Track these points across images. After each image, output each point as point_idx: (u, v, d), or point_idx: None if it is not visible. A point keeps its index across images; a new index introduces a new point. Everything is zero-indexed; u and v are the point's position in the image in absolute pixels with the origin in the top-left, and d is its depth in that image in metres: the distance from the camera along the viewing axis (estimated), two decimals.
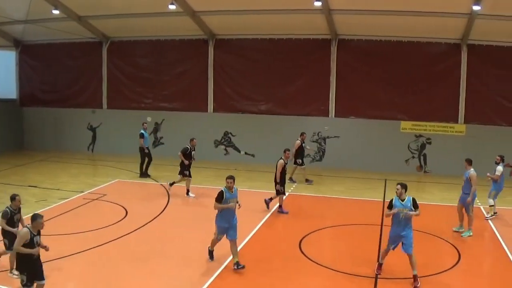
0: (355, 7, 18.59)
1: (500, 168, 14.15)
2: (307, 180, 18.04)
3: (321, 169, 20.76)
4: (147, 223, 12.63)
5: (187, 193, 15.42)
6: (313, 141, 21.24)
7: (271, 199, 14.01)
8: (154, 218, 13.12)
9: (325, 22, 19.56)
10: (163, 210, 13.99)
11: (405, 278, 9.43)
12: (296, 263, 10.25)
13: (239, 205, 9.69)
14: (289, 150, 14.07)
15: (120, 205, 14.17)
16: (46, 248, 7.77)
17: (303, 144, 17.90)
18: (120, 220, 12.88)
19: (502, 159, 14.35)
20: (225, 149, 22.01)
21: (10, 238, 8.73)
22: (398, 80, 20.68)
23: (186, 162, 15.17)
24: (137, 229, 12.11)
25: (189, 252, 10.63)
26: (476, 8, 16.89)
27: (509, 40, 20.09)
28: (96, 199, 14.92)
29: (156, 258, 10.24)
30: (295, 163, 17.82)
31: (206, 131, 21.55)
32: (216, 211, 9.67)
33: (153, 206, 14.21)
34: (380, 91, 20.77)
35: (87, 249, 10.50)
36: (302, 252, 10.84)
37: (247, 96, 21.76)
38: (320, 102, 21.22)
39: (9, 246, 8.80)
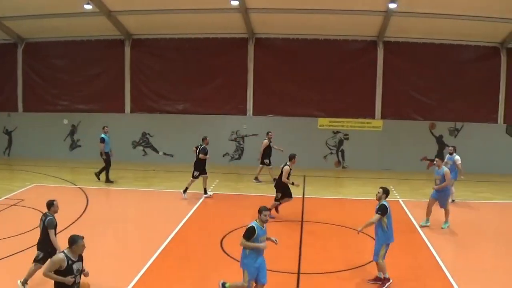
0: (271, 5, 19.44)
1: (458, 157, 15.55)
2: (274, 179, 18.92)
3: (240, 168, 21.43)
4: (66, 227, 12.38)
5: (205, 192, 15.92)
6: (232, 140, 22.22)
7: (276, 208, 13.79)
8: (73, 223, 13.00)
9: (242, 21, 20.34)
10: (82, 214, 14.00)
11: (326, 273, 9.98)
12: (218, 261, 10.53)
13: (275, 241, 8.42)
14: (296, 156, 13.66)
15: (39, 210, 13.63)
16: (85, 274, 6.92)
17: (271, 144, 18.44)
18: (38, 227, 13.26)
19: (455, 150, 15.77)
20: (144, 150, 22.81)
21: (46, 249, 8.35)
22: (315, 78, 21.58)
23: (208, 157, 15.82)
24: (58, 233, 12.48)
25: (107, 255, 10.61)
26: (392, 5, 17.96)
27: (424, 36, 21.34)
28: (13, 204, 14.64)
29: None
30: (262, 163, 18.31)
31: (124, 132, 22.26)
32: (245, 250, 8.18)
33: (72, 210, 14.04)
34: (298, 89, 21.61)
35: (8, 256, 10.24)
36: (224, 251, 11.15)
37: (164, 96, 22.28)
38: (237, 100, 21.94)
39: (40, 259, 8.36)
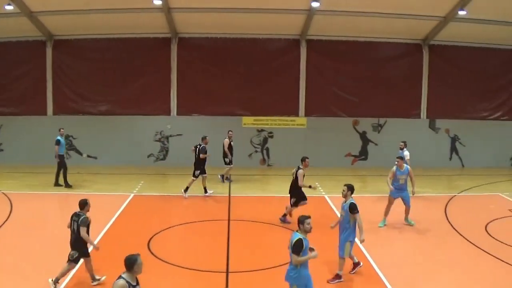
0: (194, 5, 20.01)
1: (407, 153, 16.66)
2: (227, 178, 19.17)
3: (165, 168, 21.96)
4: None
5: (205, 191, 16.80)
6: (156, 141, 23.01)
7: (285, 215, 13.76)
8: None
9: (165, 20, 20.87)
10: (6, 220, 14.00)
11: (255, 270, 10.38)
12: (146, 263, 10.71)
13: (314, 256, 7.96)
14: (308, 158, 13.65)
15: None
16: None
17: (232, 143, 18.99)
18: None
19: (405, 145, 17.04)
20: (67, 153, 23.62)
21: (81, 249, 8.99)
22: (239, 77, 22.29)
23: (209, 155, 16.78)
24: None
25: (31, 262, 10.68)
26: (315, 4, 18.81)
27: (347, 34, 22.39)
28: None
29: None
30: (229, 163, 18.93)
31: (46, 135, 22.26)
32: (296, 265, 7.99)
33: None
34: (222, 88, 22.26)
35: None
36: (151, 252, 11.39)
37: (87, 97, 22.53)
38: (161, 100, 22.42)
39: (75, 259, 8.95)
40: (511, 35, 22.53)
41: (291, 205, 13.55)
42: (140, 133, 21.41)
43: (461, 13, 19.61)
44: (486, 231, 13.88)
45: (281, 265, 10.43)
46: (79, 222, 8.94)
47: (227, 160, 18.96)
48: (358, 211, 9.65)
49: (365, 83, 22.83)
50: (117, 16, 20.79)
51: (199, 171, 16.64)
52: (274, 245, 12.04)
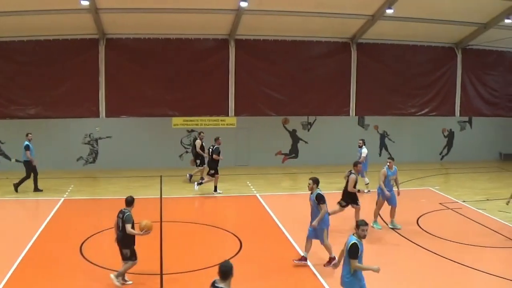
0: (122, 5, 21.17)
1: (365, 150, 18.73)
2: (202, 178, 20.33)
3: (95, 171, 23.23)
4: None
5: (215, 190, 18.74)
6: (85, 143, 23.94)
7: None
8: None
9: (93, 21, 22.02)
10: None
11: (190, 271, 11.21)
12: (78, 267, 11.25)
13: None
14: (360, 163, 14.64)
15: None
16: None
17: (203, 144, 20.11)
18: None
19: (364, 143, 19.08)
20: None
21: (131, 246, 10.12)
22: (168, 77, 23.75)
23: (221, 158, 18.51)
24: None
25: None
26: (243, 4, 20.18)
27: (275, 33, 24.09)
28: None
29: None
30: (200, 164, 20.39)
31: None
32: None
33: None
34: (151, 89, 23.69)
35: None
36: (84, 257, 11.99)
37: (15, 100, 23.53)
38: (90, 103, 23.68)
39: (130, 257, 10.11)
40: (438, 32, 24.97)
41: (340, 205, 14.14)
42: (69, 136, 22.74)
43: (389, 11, 21.59)
44: (418, 224, 15.49)
45: (215, 265, 11.60)
46: (124, 219, 10.03)
47: (198, 161, 20.56)
48: (324, 202, 11.10)
49: (294, 81, 24.79)
50: (44, 18, 21.72)
51: (213, 171, 18.42)
52: (207, 245, 13.15)
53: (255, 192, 19.11)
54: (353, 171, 13.93)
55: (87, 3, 19.70)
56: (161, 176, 21.85)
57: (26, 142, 18.77)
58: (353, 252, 8.17)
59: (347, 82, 25.63)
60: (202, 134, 20.29)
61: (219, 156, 18.21)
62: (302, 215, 15.10)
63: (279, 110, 24.75)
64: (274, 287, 10.90)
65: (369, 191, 18.35)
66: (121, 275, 10.29)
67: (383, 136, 26.07)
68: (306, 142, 25.00)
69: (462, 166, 25.45)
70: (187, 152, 24.23)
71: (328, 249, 11.48)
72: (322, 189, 17.94)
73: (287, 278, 11.26)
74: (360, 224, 8.40)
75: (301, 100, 24.82)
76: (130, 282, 10.46)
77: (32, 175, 18.80)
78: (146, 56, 23.83)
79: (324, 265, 11.45)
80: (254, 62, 24.41)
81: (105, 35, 23.73)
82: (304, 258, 11.58)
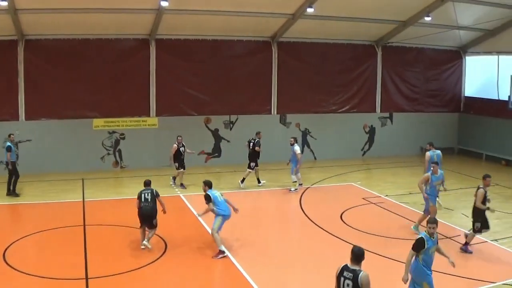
0: (42, 6, 22.66)
1: (297, 147, 21.75)
2: (181, 185, 22.40)
3: None
4: None
5: (259, 182, 22.51)
6: (3, 147, 26.67)
7: (466, 243, 14.55)
8: None
9: (11, 22, 23.45)
10: None
11: (116, 274, 12.16)
12: (3, 276, 11.83)
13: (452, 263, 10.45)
14: (489, 176, 14.41)
15: None
16: None
17: (181, 149, 22.10)
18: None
19: (296, 140, 21.86)
20: None
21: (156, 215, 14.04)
22: (88, 78, 25.87)
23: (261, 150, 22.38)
24: None
25: None
26: (164, 3, 22.04)
27: (196, 33, 26.72)
28: None
29: None
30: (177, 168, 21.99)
31: None
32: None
33: None
34: (71, 90, 25.72)
35: None
36: (7, 264, 12.59)
37: None
38: (9, 106, 25.44)
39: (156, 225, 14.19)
40: (358, 30, 28.49)
41: (474, 231, 14.27)
42: None
43: (309, 10, 24.40)
44: (342, 220, 17.48)
45: (141, 267, 12.91)
46: (154, 193, 14.40)
47: (175, 165, 22.92)
48: (209, 201, 13.83)
49: (216, 81, 27.67)
50: None
51: (254, 163, 21.87)
52: (132, 247, 14.25)
53: (178, 192, 20.99)
54: (481, 185, 14.21)
55: (5, 3, 21.03)
56: (82, 179, 23.92)
57: (8, 143, 20.24)
58: (418, 244, 9.68)
59: (268, 80, 28.83)
60: (179, 138, 22.42)
61: (260, 148, 21.97)
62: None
63: (201, 109, 27.57)
64: (202, 286, 12.41)
65: (296, 189, 21.59)
66: (149, 239, 14.15)
67: (305, 133, 29.46)
68: (228, 141, 27.87)
69: (384, 161, 28.66)
70: (108, 154, 26.56)
71: (216, 240, 13.84)
72: (248, 188, 21.84)
73: (215, 276, 13.05)
74: (429, 221, 9.94)
75: (223, 99, 27.76)
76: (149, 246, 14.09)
77: (14, 176, 20.16)
78: (66, 57, 25.77)
79: (213, 257, 13.85)
80: (175, 62, 26.98)
81: (24, 36, 25.47)
82: (221, 252, 13.80)
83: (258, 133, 22.36)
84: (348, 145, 30.08)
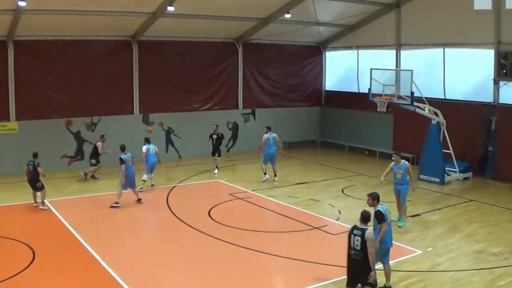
0: None
1: (144, 147, 25.57)
2: (92, 176, 26.98)
3: None
4: None
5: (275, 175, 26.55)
6: None
7: None
8: None
9: None
10: None
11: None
12: None
13: None
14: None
15: None
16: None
17: (100, 148, 26.73)
18: None
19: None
20: None
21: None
22: None
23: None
24: None
25: None
26: (22, 3, 24.27)
27: (55, 34, 29.92)
28: None
29: None
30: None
31: None
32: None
33: None
34: None
35: None
36: None
37: None
38: None
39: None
40: (218, 28, 33.06)
41: None
42: None
43: (170, 9, 27.89)
44: (210, 216, 19.59)
45: (8, 279, 13.57)
46: (35, 164, 21.30)
47: (93, 161, 26.96)
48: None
49: (76, 82, 30.96)
50: None
51: (218, 153, 28.28)
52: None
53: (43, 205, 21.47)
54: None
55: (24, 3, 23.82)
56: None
57: None
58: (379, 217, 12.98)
59: (129, 80, 32.76)
60: (104, 137, 27.51)
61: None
62: (93, 217, 19.84)
63: (61, 112, 30.74)
64: None
65: (141, 188, 24.03)
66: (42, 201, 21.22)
67: (168, 132, 33.87)
68: (91, 143, 30.90)
69: (248, 156, 32.20)
70: None
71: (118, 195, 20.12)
72: (112, 190, 23.56)
73: (85, 282, 13.79)
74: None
75: (84, 100, 31.19)
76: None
77: None
78: None
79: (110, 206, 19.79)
80: (34, 63, 29.86)
81: None
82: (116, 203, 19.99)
83: (216, 126, 29.41)
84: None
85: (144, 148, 24.86)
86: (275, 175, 26.57)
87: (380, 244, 12.68)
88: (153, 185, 25.12)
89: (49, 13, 27.09)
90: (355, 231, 11.58)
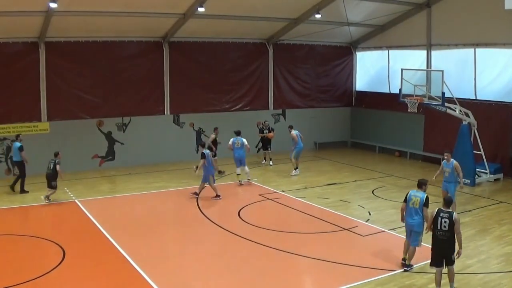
0: None
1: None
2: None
3: None
4: None
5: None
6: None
7: None
8: None
9: None
10: None
11: (12, 286, 12.88)
12: None
13: None
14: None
15: None
16: None
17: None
18: None
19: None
20: None
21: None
22: None
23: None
24: None
25: None
26: (53, 5, 24.59)
27: (86, 35, 30.32)
28: None
29: None
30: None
31: None
32: None
33: None
34: None
35: None
36: None
37: None
38: None
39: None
40: (249, 29, 33.22)
41: None
42: None
43: (200, 9, 28.12)
44: (239, 217, 19.71)
45: (40, 276, 13.90)
46: (56, 163, 22.13)
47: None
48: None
49: (107, 83, 31.42)
50: None
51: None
52: (28, 257, 15.26)
53: (73, 198, 22.85)
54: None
55: (55, 5, 24.27)
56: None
57: (19, 143, 24.82)
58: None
59: (160, 81, 33.07)
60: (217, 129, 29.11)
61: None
62: (123, 217, 20.11)
63: (93, 112, 31.22)
64: None
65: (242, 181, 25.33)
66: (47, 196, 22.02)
67: (199, 133, 34.14)
68: (122, 144, 31.80)
69: (277, 157, 31.89)
70: (0, 161, 29.60)
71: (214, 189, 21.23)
72: (143, 190, 24.72)
73: (114, 281, 13.88)
74: (426, 182, 14.94)
75: (115, 101, 31.60)
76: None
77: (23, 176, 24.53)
78: None
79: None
80: (65, 65, 30.34)
81: None
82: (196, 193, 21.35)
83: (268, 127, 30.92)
84: None
85: (230, 141, 25.98)
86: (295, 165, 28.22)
87: (419, 228, 14.46)
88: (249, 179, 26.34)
89: (79, 15, 27.51)
90: (442, 214, 12.77)
